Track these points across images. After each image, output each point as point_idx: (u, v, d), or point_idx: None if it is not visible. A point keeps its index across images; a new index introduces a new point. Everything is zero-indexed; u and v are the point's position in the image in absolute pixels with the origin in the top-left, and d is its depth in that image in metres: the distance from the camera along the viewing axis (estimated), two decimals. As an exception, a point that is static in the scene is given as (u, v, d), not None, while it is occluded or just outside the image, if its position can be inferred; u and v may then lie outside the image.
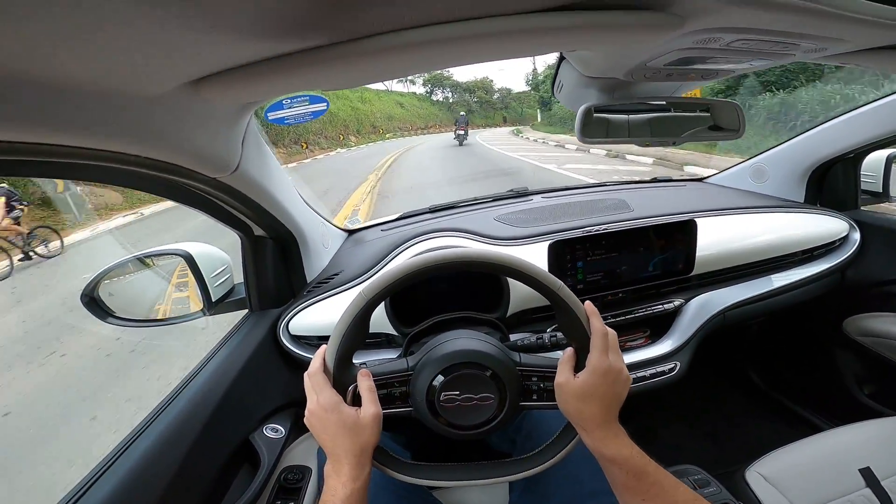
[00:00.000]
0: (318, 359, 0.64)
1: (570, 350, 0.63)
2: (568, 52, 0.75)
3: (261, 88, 0.51)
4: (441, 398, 0.62)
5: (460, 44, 0.44)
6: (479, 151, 16.01)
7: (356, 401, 0.62)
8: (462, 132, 18.29)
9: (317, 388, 0.62)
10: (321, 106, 1.21)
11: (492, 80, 66.24)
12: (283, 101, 1.18)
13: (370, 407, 0.61)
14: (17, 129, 0.41)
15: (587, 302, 0.64)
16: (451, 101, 60.67)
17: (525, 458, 0.67)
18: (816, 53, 0.67)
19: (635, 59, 0.67)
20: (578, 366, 0.62)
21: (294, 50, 0.44)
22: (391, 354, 1.04)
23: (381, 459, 0.64)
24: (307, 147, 21.07)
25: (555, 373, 0.63)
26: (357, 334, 0.63)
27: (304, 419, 0.62)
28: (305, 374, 0.64)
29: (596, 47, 0.61)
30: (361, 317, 0.62)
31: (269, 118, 1.18)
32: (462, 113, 20.78)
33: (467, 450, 0.83)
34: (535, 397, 0.65)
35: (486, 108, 62.80)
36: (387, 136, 32.88)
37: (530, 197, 1.54)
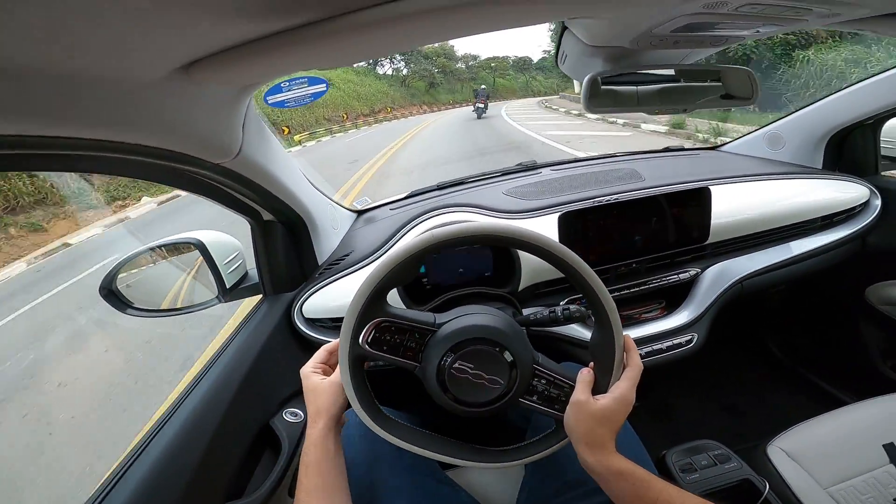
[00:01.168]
0: (333, 344, 0.77)
1: (589, 371, 0.68)
2: (570, 21, 0.76)
3: (255, 70, 0.53)
4: (455, 366, 0.65)
5: (457, 12, 0.46)
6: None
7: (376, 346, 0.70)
8: (482, 105, 20.26)
9: (314, 358, 0.77)
10: (320, 87, 1.22)
11: (452, 46, 55.40)
12: (282, 84, 1.18)
13: (333, 376, 0.73)
14: (17, 123, 0.43)
15: (628, 335, 0.68)
16: (403, 72, 47.65)
17: (508, 449, 0.72)
18: (830, 18, 0.68)
19: (641, 27, 0.69)
20: (598, 388, 0.67)
21: (283, 28, 0.45)
22: None
23: (372, 415, 0.70)
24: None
25: (565, 382, 0.68)
26: (404, 272, 0.66)
27: None
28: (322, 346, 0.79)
29: (600, 13, 0.62)
30: (418, 256, 0.65)
31: (269, 102, 1.18)
32: (482, 86, 22.57)
33: (483, 425, 0.86)
34: (535, 398, 0.69)
35: (450, 79, 52.72)
36: (296, 139, 20.18)
37: (539, 170, 1.57)
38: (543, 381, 0.68)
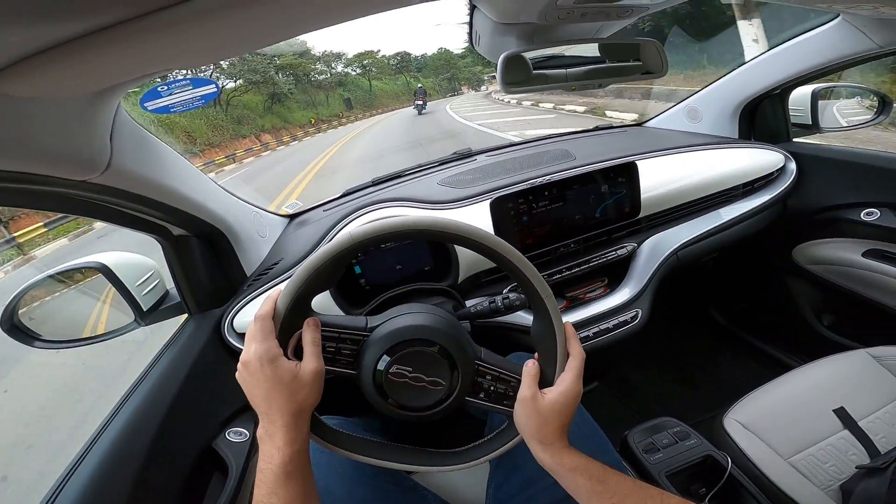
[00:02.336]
0: (269, 302, 0.60)
1: (534, 364, 0.66)
2: (476, -1, 0.78)
3: (79, 75, 0.48)
4: (391, 370, 0.62)
5: None
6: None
7: (298, 353, 0.61)
8: (421, 102, 23.60)
9: (260, 335, 0.58)
10: (209, 89, 1.14)
11: (304, 41, 40.85)
12: (159, 88, 1.09)
13: (311, 361, 0.59)
14: None
15: (567, 323, 0.66)
16: (222, 83, 28.03)
17: (461, 450, 0.70)
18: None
19: (543, -1, 0.71)
20: (544, 380, 0.65)
21: (91, 28, 0.41)
22: None
23: (314, 429, 0.65)
24: None
25: (511, 377, 0.66)
26: (324, 277, 0.60)
27: (237, 373, 0.60)
28: (254, 315, 0.60)
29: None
30: (336, 259, 0.59)
31: (149, 108, 1.08)
32: (419, 85, 24.60)
33: (442, 423, 0.85)
34: (482, 395, 0.67)
35: (306, 87, 37.30)
36: None
37: (474, 157, 1.59)
38: (489, 378, 0.66)
